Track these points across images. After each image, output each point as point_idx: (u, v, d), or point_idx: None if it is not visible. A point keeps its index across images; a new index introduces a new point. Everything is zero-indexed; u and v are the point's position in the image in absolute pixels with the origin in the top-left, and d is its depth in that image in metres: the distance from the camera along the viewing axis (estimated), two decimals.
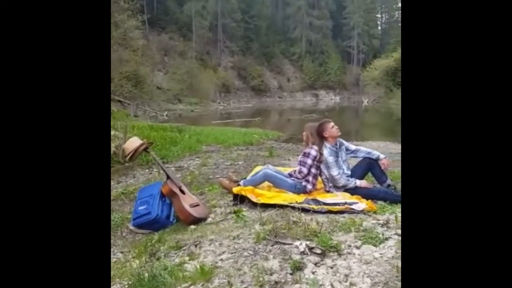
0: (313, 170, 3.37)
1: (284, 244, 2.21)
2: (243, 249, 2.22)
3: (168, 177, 3.08)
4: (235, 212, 2.92)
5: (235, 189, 3.24)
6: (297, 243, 2.19)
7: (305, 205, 2.91)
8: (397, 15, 58.91)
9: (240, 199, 3.17)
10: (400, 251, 2.04)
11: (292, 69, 49.15)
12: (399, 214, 2.68)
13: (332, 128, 3.43)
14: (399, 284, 1.68)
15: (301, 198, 3.14)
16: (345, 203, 2.93)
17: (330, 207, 2.88)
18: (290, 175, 3.50)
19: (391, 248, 2.11)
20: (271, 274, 1.89)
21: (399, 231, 2.35)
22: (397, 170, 4.93)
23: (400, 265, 1.85)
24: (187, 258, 2.22)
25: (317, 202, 3.01)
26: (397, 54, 34.16)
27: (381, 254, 2.03)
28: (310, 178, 3.39)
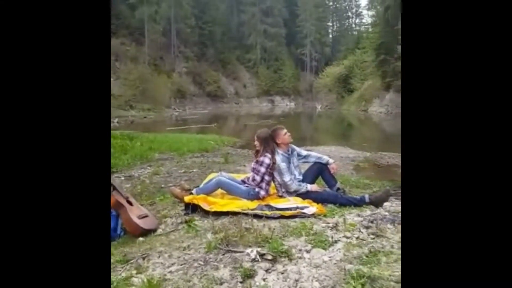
0: (266, 177, 3.38)
1: (236, 252, 2.19)
2: (193, 259, 2.16)
3: (114, 188, 2.93)
4: (186, 222, 2.84)
5: (187, 198, 3.16)
6: (248, 250, 2.17)
7: (258, 211, 2.91)
8: (347, 24, 61.75)
9: (193, 208, 3.10)
10: (348, 254, 2.10)
11: (248, 75, 49.47)
12: (348, 217, 2.77)
13: (284, 135, 3.48)
14: (346, 286, 1.72)
15: (254, 204, 3.13)
16: (297, 207, 2.97)
17: (282, 212, 2.90)
18: (244, 182, 3.49)
19: (340, 250, 2.16)
20: (221, 284, 1.86)
21: (348, 234, 2.42)
22: (347, 173, 5.12)
23: (347, 267, 1.90)
24: (134, 272, 2.12)
25: (270, 207, 3.02)
26: (348, 62, 35.82)
27: (330, 257, 2.08)
28: (264, 185, 3.40)
